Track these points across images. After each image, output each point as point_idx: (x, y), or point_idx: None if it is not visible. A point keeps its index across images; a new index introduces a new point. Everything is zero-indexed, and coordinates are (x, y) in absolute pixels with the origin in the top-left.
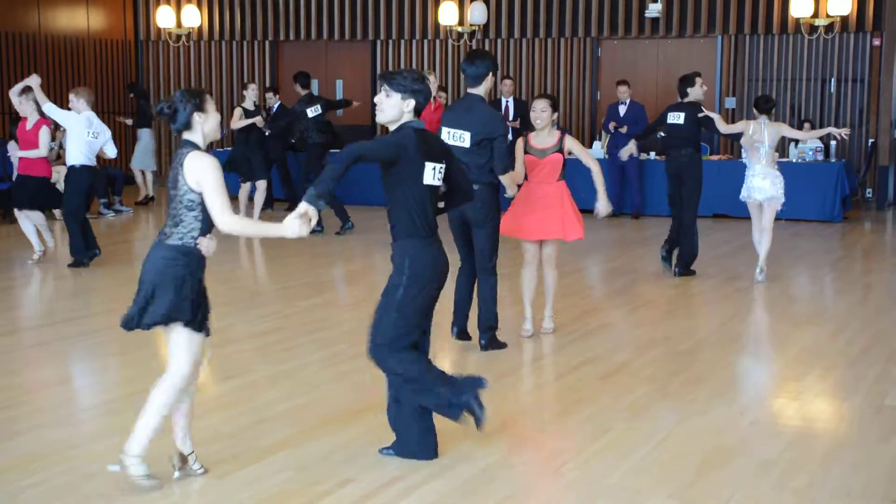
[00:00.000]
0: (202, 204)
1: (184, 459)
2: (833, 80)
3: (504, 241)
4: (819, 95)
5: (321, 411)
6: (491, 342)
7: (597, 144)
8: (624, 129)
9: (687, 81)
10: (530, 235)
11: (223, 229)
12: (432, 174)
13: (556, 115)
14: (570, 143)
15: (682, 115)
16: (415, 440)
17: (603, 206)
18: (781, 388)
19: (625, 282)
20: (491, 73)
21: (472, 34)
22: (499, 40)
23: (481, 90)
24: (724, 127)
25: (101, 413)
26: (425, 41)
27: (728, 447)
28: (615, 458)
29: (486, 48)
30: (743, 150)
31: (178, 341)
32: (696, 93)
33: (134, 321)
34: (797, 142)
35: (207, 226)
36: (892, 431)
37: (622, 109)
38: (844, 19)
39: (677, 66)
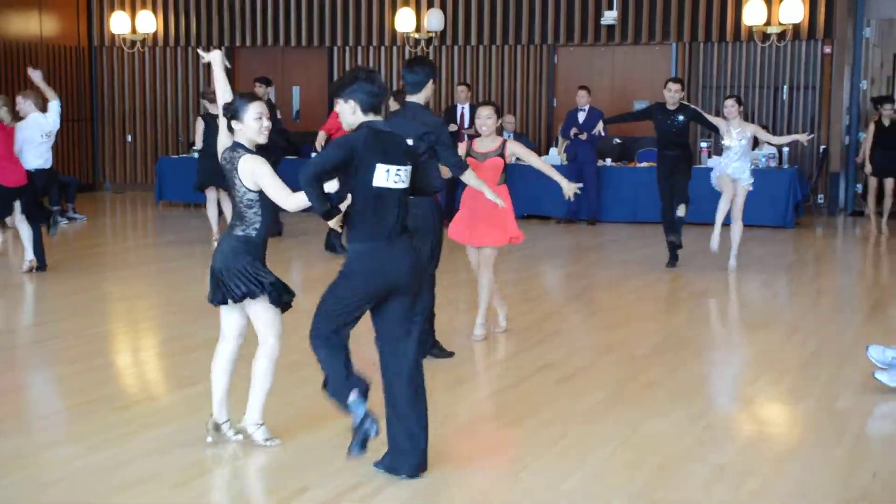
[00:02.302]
0: (260, 201)
1: (218, 427)
2: (785, 87)
3: (458, 249)
4: (772, 102)
5: (280, 419)
6: (431, 351)
7: (553, 151)
8: (584, 136)
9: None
10: (471, 242)
11: (291, 210)
12: (385, 176)
13: (500, 121)
14: (513, 147)
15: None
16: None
17: (566, 187)
18: (735, 391)
19: (581, 287)
20: (431, 81)
21: (429, 41)
22: (455, 47)
23: (421, 97)
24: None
25: (55, 422)
26: (382, 48)
27: (683, 451)
28: (572, 464)
29: (443, 55)
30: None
31: (259, 315)
32: (665, 93)
33: (214, 299)
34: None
35: (269, 218)
36: (844, 434)
37: (581, 116)
38: (796, 27)
39: (632, 74)
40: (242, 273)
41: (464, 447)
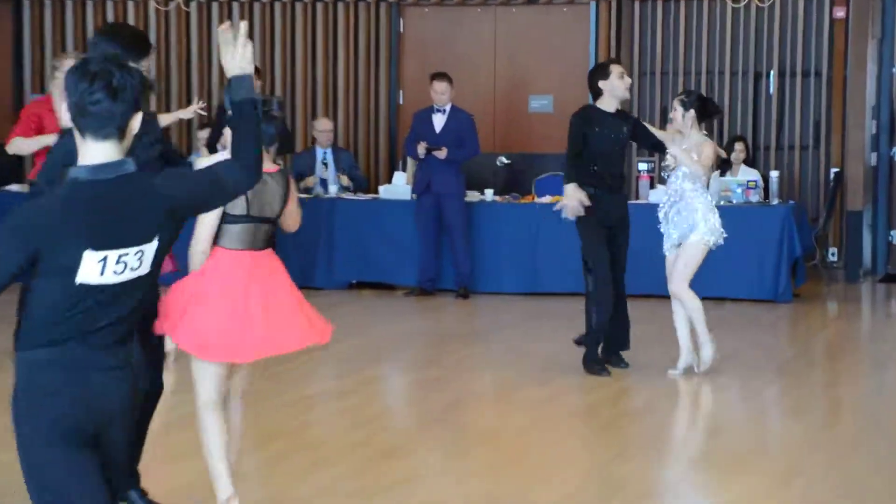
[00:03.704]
0: None
1: None
2: (773, 73)
3: None
4: (751, 97)
5: None
6: None
7: (399, 177)
8: (442, 153)
9: (599, 69)
10: (272, 348)
11: None
12: (99, 268)
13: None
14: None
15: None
16: None
17: None
18: None
19: (446, 402)
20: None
21: None
22: (234, 4)
23: None
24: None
25: None
26: (109, 1)
27: None
28: None
29: (213, 15)
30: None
31: None
32: (611, 86)
33: None
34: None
35: None
36: None
37: (438, 121)
38: None
39: (527, 50)
40: None
41: None
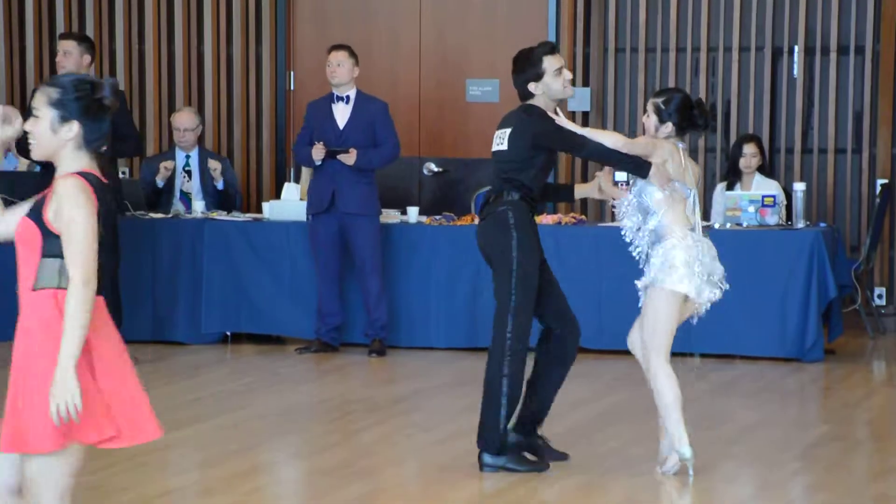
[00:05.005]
0: None
1: None
2: (798, 49)
3: None
4: (768, 83)
5: None
6: None
7: (291, 190)
8: (350, 158)
9: (526, 65)
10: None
11: None
12: None
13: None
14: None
15: (508, 132)
16: None
17: None
18: None
19: (354, 500)
20: None
21: None
22: None
23: None
24: (614, 140)
25: None
26: None
27: None
28: None
29: None
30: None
31: None
32: (546, 88)
33: None
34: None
35: None
36: None
37: (342, 113)
38: None
39: (464, 18)
40: None
41: None
